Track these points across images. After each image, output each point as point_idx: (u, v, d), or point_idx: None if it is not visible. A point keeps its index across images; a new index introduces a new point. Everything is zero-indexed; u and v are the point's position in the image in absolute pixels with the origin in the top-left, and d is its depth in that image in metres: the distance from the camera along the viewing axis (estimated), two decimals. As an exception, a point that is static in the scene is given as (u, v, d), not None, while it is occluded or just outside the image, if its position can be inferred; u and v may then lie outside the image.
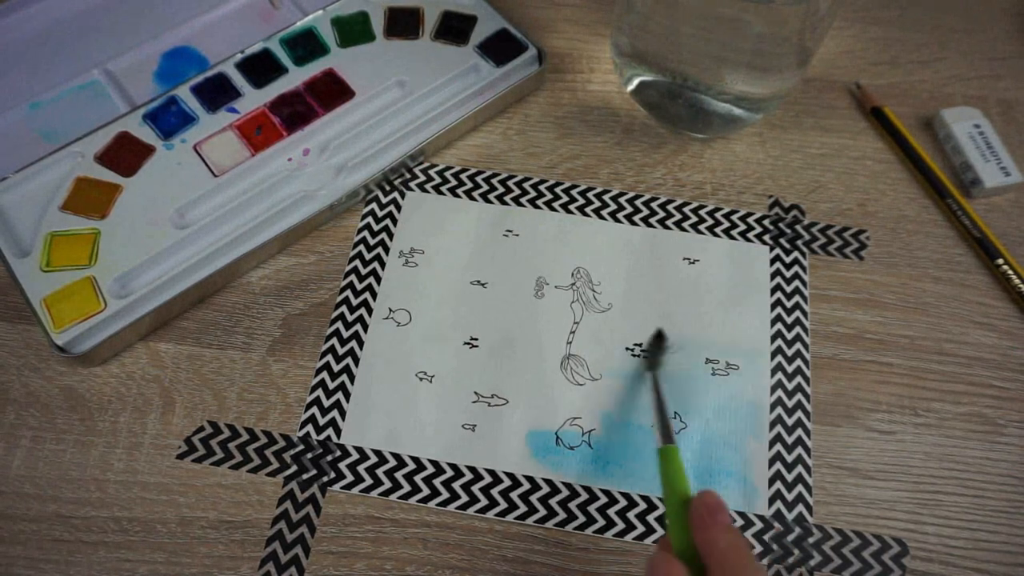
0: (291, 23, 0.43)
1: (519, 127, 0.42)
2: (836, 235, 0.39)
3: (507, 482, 0.33)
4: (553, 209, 0.40)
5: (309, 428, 0.34)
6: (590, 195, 0.40)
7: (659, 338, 0.35)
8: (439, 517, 0.32)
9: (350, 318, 0.37)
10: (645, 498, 0.33)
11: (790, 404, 0.35)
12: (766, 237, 0.39)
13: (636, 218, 0.39)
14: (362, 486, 0.33)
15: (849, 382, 0.36)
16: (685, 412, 0.34)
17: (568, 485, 0.33)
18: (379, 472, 0.33)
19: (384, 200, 0.40)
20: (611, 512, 0.33)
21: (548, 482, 0.33)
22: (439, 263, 0.38)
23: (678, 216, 0.39)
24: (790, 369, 0.36)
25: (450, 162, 0.41)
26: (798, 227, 0.39)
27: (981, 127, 0.41)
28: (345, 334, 0.36)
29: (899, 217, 0.40)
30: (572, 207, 0.40)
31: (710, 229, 0.39)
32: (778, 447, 0.34)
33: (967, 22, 0.47)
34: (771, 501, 0.33)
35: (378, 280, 0.38)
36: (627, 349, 0.36)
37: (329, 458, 0.33)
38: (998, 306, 0.38)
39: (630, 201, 0.40)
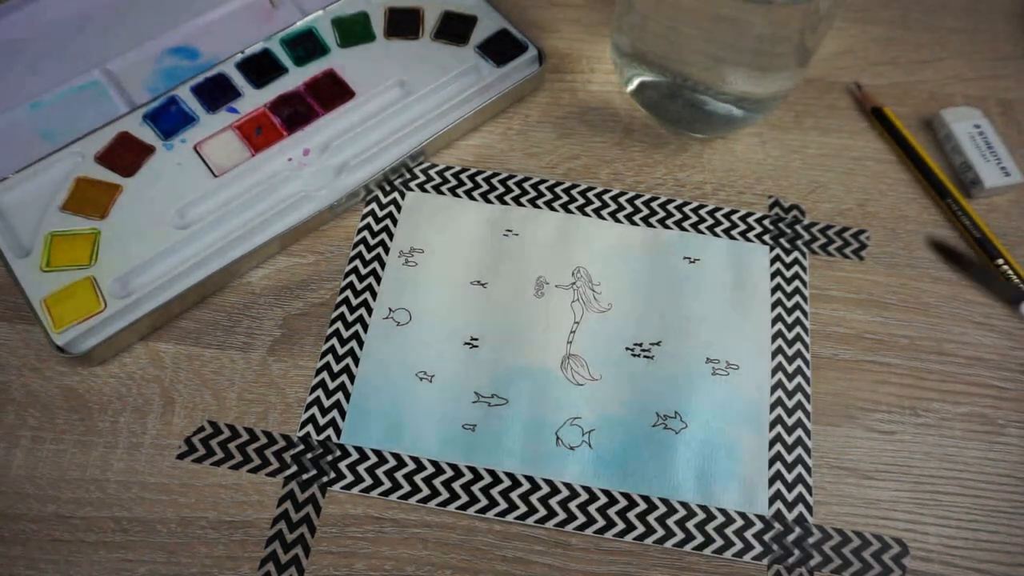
0: (291, 23, 0.43)
1: (519, 127, 0.42)
2: (836, 235, 0.39)
3: (507, 482, 0.33)
4: (553, 209, 0.40)
5: (309, 428, 0.34)
6: (590, 195, 0.40)
7: None
8: (439, 517, 0.32)
9: (350, 318, 0.37)
10: (645, 498, 0.33)
11: (790, 404, 0.35)
12: (766, 237, 0.39)
13: (636, 218, 0.39)
14: (362, 486, 0.33)
15: (849, 382, 0.36)
16: (685, 412, 0.34)
17: (568, 485, 0.33)
18: (379, 472, 0.33)
19: (384, 200, 0.40)
20: (611, 512, 0.33)
21: (548, 482, 0.33)
22: (439, 263, 0.38)
23: (678, 216, 0.39)
24: (790, 369, 0.36)
25: (450, 162, 0.41)
26: (798, 227, 0.39)
27: (981, 127, 0.41)
28: (345, 334, 0.36)
29: (899, 217, 0.40)
30: (572, 207, 0.40)
31: (710, 229, 0.39)
32: (778, 447, 0.34)
33: (967, 22, 0.47)
34: (771, 501, 0.33)
35: (378, 280, 0.38)
36: (627, 349, 0.36)
37: (329, 458, 0.33)
38: (998, 306, 0.38)
39: (630, 201, 0.40)
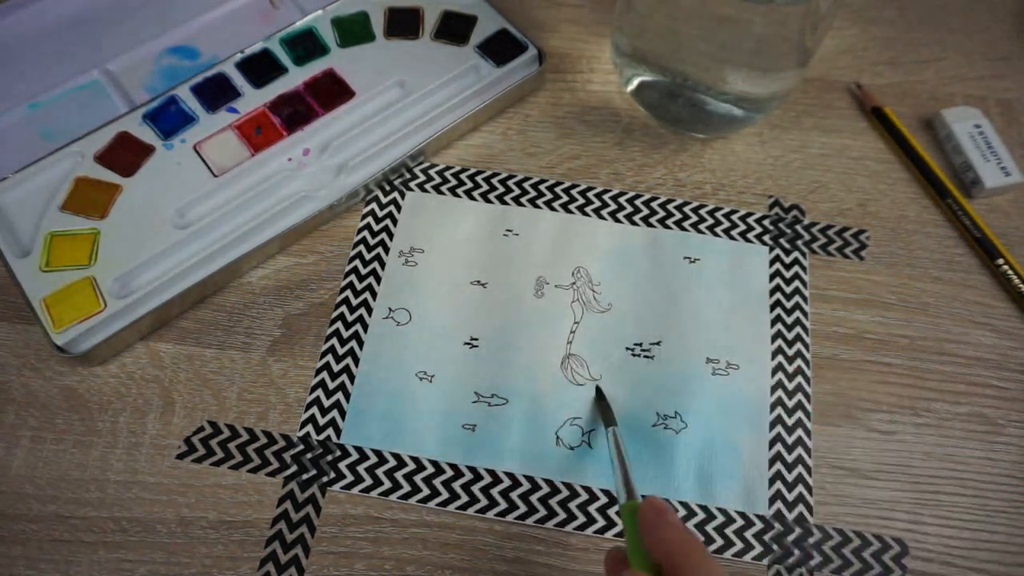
0: (291, 23, 0.43)
1: (519, 127, 0.42)
2: (836, 235, 0.39)
3: (507, 482, 0.33)
4: (553, 209, 0.40)
5: (309, 428, 0.34)
6: (590, 195, 0.40)
7: (600, 396, 0.34)
8: (439, 517, 0.32)
9: (350, 318, 0.37)
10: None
11: (790, 404, 0.35)
12: (766, 237, 0.39)
13: (636, 218, 0.39)
14: (362, 486, 0.33)
15: (849, 382, 0.36)
16: (685, 412, 0.34)
17: (568, 485, 0.33)
18: (379, 472, 0.33)
19: (384, 200, 0.40)
20: (611, 512, 0.33)
21: (548, 482, 0.33)
22: (439, 263, 0.38)
23: (678, 216, 0.39)
24: (790, 369, 0.36)
25: (450, 162, 0.41)
26: (798, 227, 0.39)
27: (981, 127, 0.41)
28: (345, 334, 0.36)
29: (899, 217, 0.40)
30: (572, 207, 0.40)
31: (710, 229, 0.39)
32: (778, 447, 0.34)
33: (967, 22, 0.47)
34: (771, 501, 0.33)
35: (378, 280, 0.38)
36: (627, 349, 0.36)
37: (329, 458, 0.33)
38: (998, 306, 0.38)
39: (630, 201, 0.40)
